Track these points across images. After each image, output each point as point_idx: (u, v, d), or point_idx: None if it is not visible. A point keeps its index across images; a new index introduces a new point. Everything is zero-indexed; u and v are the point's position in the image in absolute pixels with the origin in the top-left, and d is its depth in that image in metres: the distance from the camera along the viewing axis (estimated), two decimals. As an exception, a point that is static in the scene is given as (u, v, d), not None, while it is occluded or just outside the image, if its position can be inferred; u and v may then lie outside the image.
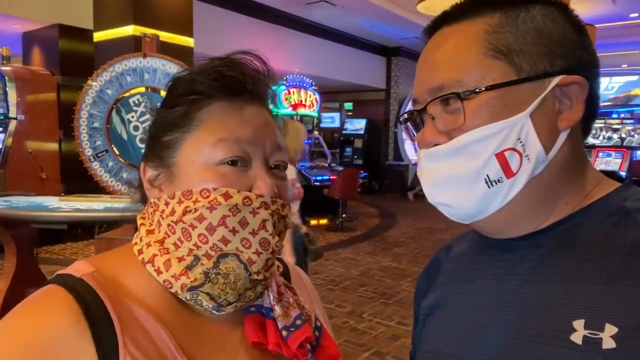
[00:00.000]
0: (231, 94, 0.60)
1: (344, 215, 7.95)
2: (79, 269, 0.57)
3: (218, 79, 0.60)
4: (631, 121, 11.03)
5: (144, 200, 0.66)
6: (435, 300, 0.68)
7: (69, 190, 5.34)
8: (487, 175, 0.54)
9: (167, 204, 0.58)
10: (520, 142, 0.53)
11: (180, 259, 0.56)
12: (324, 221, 8.10)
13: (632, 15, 9.33)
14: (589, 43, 0.58)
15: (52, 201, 3.30)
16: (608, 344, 0.45)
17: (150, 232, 0.60)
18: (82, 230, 6.18)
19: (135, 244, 0.61)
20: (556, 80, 0.54)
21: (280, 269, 0.73)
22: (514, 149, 0.53)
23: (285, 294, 0.65)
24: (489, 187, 0.54)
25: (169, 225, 0.57)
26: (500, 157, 0.53)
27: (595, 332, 0.47)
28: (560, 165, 0.56)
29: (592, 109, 0.57)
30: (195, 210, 0.55)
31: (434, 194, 0.59)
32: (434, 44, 0.60)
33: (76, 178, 4.45)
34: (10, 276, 3.36)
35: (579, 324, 0.48)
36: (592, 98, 0.56)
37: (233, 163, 0.57)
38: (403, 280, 4.98)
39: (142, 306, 0.56)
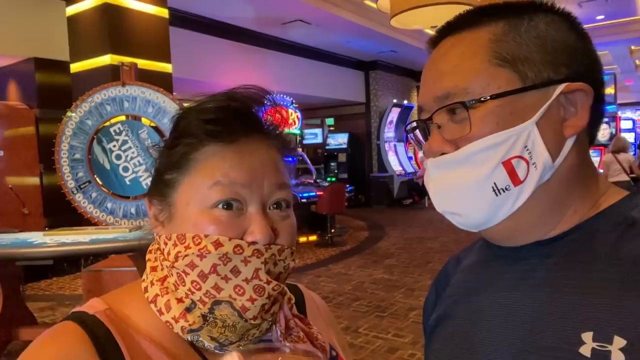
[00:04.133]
0: (226, 136, 0.58)
1: (332, 231, 7.94)
2: (92, 305, 0.58)
3: (215, 120, 0.58)
4: (606, 119, 11.28)
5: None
6: (443, 311, 0.67)
7: (53, 224, 5.24)
8: (495, 184, 0.54)
9: (165, 243, 0.58)
10: (527, 150, 0.53)
11: (179, 300, 0.56)
12: (313, 237, 8.07)
13: (598, 17, 9.62)
14: (592, 49, 0.57)
15: (36, 237, 3.24)
16: (617, 356, 0.45)
17: (153, 269, 0.60)
18: (67, 264, 6.06)
19: (143, 280, 0.61)
20: (561, 87, 0.54)
21: (292, 300, 0.69)
22: (520, 157, 0.53)
23: (295, 327, 0.63)
24: (497, 195, 0.54)
25: (168, 267, 0.57)
26: (508, 165, 0.53)
27: (604, 345, 0.46)
28: (568, 173, 0.56)
29: (597, 116, 0.57)
30: (186, 256, 0.55)
31: (442, 202, 0.59)
32: (438, 53, 0.60)
33: (59, 211, 4.39)
34: (-4, 317, 3.27)
35: (587, 336, 0.47)
36: (597, 104, 0.56)
37: (228, 206, 0.56)
38: (396, 292, 4.98)
39: (152, 343, 0.56)
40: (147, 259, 0.63)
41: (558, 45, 0.55)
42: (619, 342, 0.45)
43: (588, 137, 0.58)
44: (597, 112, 0.56)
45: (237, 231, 0.55)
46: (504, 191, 0.54)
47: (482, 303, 0.60)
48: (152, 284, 0.59)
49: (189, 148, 0.58)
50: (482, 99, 0.54)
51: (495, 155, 0.53)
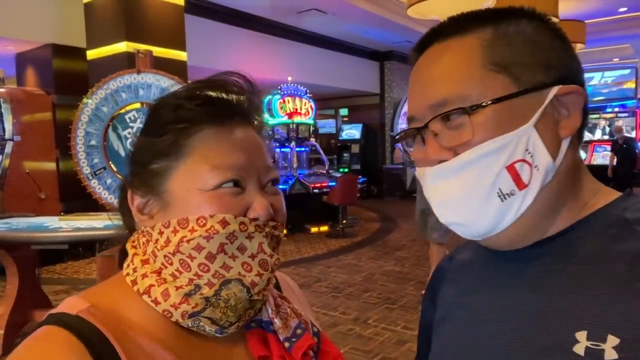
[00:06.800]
0: (220, 118, 0.59)
1: (344, 221, 7.94)
2: (73, 306, 0.54)
3: (205, 104, 0.59)
4: (625, 114, 11.07)
5: (129, 227, 0.65)
6: (441, 313, 0.68)
7: (69, 209, 5.32)
8: (500, 189, 0.53)
9: (161, 233, 0.57)
10: (529, 152, 0.53)
11: (178, 288, 0.56)
12: (324, 228, 8.09)
13: (620, 9, 9.40)
14: (574, 52, 0.59)
15: (52, 221, 3.30)
16: (610, 355, 0.46)
17: (145, 262, 0.59)
18: (82, 248, 6.16)
19: (128, 274, 0.59)
20: (554, 90, 0.54)
21: (273, 281, 0.71)
22: (523, 160, 0.53)
23: (282, 305, 0.66)
24: (502, 201, 0.53)
25: (165, 256, 0.56)
26: (511, 170, 0.53)
27: (598, 343, 0.47)
28: (565, 173, 0.56)
29: (584, 117, 0.57)
30: (192, 239, 0.54)
31: (446, 213, 0.57)
32: (427, 60, 0.59)
33: (75, 196, 4.45)
34: (13, 298, 3.35)
35: (581, 335, 0.48)
36: (584, 105, 0.57)
37: (228, 186, 0.57)
38: (407, 284, 4.97)
39: (145, 335, 0.55)
40: (132, 253, 0.61)
41: (546, 49, 0.56)
42: (612, 340, 0.46)
43: (577, 137, 0.58)
44: (584, 113, 0.57)
45: (239, 209, 0.57)
46: (509, 196, 0.53)
47: (477, 304, 0.61)
48: (144, 276, 0.58)
49: (180, 135, 0.58)
50: (483, 104, 0.53)
51: (499, 159, 0.53)
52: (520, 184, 0.53)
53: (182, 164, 0.58)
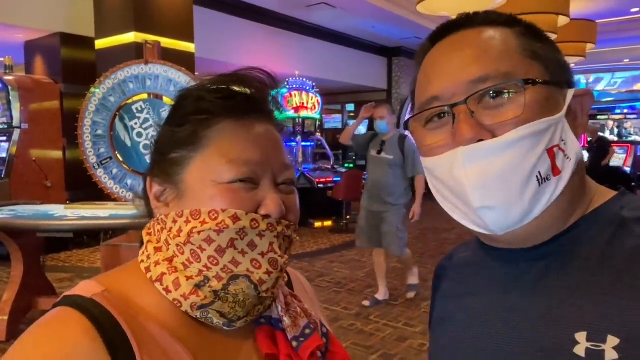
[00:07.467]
0: (240, 113, 0.60)
1: (348, 217, 7.94)
2: (87, 289, 0.56)
3: (227, 97, 0.60)
4: (634, 116, 10.98)
5: (150, 213, 0.65)
6: (440, 313, 0.68)
7: (74, 197, 5.36)
8: (539, 172, 0.52)
9: (174, 222, 0.57)
10: (563, 140, 0.54)
11: (189, 278, 0.56)
12: (328, 223, 8.09)
13: (633, 10, 9.29)
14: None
15: (57, 209, 3.32)
16: (611, 355, 0.46)
17: (158, 249, 0.60)
18: (87, 237, 6.20)
19: (142, 261, 0.60)
20: (572, 90, 0.57)
21: (285, 279, 0.73)
22: (559, 147, 0.53)
23: (292, 303, 0.66)
24: (540, 185, 0.52)
25: (177, 245, 0.57)
26: (551, 154, 0.52)
27: (598, 344, 0.47)
28: (579, 171, 0.56)
29: None
30: (202, 231, 0.55)
31: (482, 196, 0.52)
32: (456, 43, 0.58)
33: (81, 185, 4.47)
34: (17, 285, 3.38)
35: (581, 336, 0.48)
36: None
37: (242, 181, 0.57)
38: (409, 281, 4.97)
39: (156, 323, 0.55)
40: (147, 240, 0.62)
41: (560, 53, 0.59)
42: (612, 341, 0.46)
43: None
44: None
45: (251, 205, 0.57)
46: (546, 181, 0.52)
47: (476, 305, 0.61)
48: (157, 263, 0.59)
49: (199, 126, 0.59)
50: (538, 80, 0.53)
51: (543, 141, 0.52)
52: (555, 170, 0.53)
53: (199, 155, 0.58)
